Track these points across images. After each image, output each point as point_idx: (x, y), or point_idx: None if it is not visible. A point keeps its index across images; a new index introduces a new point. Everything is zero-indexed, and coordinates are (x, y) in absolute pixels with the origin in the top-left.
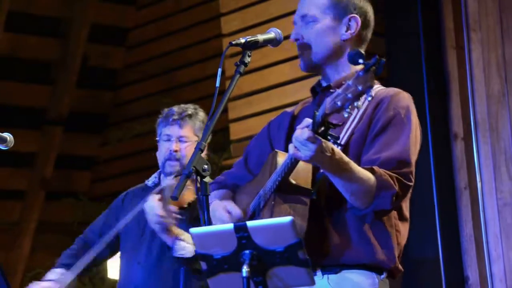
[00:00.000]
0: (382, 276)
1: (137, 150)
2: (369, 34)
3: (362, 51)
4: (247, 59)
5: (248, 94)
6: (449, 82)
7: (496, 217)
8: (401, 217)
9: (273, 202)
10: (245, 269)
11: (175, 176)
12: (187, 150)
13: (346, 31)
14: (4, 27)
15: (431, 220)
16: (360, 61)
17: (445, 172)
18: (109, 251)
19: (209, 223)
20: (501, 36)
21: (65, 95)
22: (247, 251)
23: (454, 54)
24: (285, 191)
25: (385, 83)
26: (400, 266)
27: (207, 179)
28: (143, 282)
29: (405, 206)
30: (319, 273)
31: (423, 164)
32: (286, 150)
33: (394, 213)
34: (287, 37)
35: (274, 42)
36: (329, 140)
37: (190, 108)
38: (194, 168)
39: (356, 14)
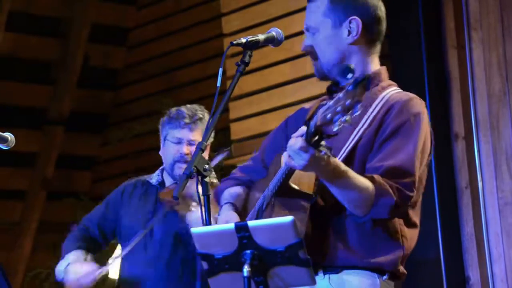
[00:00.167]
0: (384, 277)
1: (138, 150)
2: (381, 27)
3: (377, 47)
4: (248, 59)
5: (248, 94)
6: (450, 81)
7: (497, 216)
8: (408, 223)
9: (273, 205)
10: (246, 269)
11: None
12: None
13: (348, 35)
14: (5, 27)
15: (432, 219)
16: (349, 76)
17: (446, 172)
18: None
19: (210, 222)
20: (502, 35)
21: (65, 95)
22: (248, 251)
23: (455, 53)
24: (286, 194)
25: None
26: (402, 269)
27: (214, 179)
28: (154, 284)
29: (414, 212)
30: (320, 273)
31: None
32: None
33: (399, 219)
34: (288, 37)
35: (275, 42)
36: (320, 152)
37: (198, 110)
38: (195, 168)
39: (356, 15)
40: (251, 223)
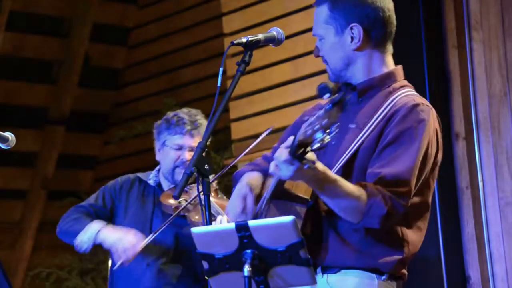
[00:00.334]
0: (383, 278)
1: (139, 149)
2: (387, 28)
3: (386, 47)
4: (249, 59)
5: (249, 94)
6: (450, 82)
7: (497, 216)
8: (411, 226)
9: (268, 208)
10: (246, 269)
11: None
12: None
13: (352, 41)
14: (6, 27)
15: (432, 219)
16: (326, 96)
17: (446, 172)
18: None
19: (210, 222)
20: (502, 36)
21: (67, 95)
22: (248, 251)
23: (455, 53)
24: (282, 197)
25: None
26: (403, 271)
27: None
28: (153, 284)
29: (418, 216)
30: (319, 272)
31: None
32: None
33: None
34: (288, 37)
35: (276, 41)
36: (304, 165)
37: (197, 116)
38: (195, 168)
39: (356, 21)
40: (252, 222)
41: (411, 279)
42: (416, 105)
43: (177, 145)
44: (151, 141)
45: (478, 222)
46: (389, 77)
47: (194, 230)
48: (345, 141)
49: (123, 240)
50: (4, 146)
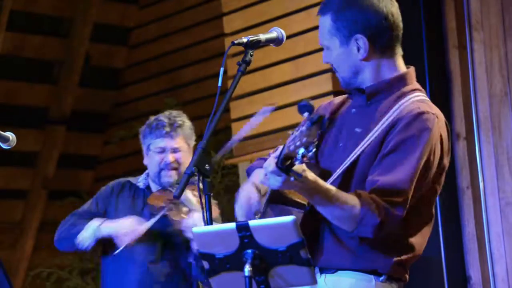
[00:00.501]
0: (381, 279)
1: (139, 149)
2: (393, 32)
3: (394, 49)
4: (250, 59)
5: (250, 94)
6: (451, 82)
7: (498, 216)
8: (414, 230)
9: (265, 212)
10: (247, 268)
11: (172, 185)
12: (182, 158)
13: (358, 51)
14: (7, 27)
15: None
16: (305, 114)
17: (447, 172)
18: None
19: (211, 222)
20: (503, 36)
21: (67, 95)
22: (249, 250)
23: (456, 53)
24: (279, 202)
25: None
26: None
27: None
28: (143, 284)
29: (422, 220)
30: (317, 272)
31: None
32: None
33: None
34: (289, 37)
35: (276, 41)
36: (290, 177)
37: (177, 117)
38: (196, 168)
39: (360, 32)
40: (252, 222)
41: (412, 279)
42: (421, 113)
43: (159, 148)
44: None
45: (478, 222)
46: (398, 81)
47: (195, 230)
48: (349, 145)
49: (124, 225)
50: (4, 146)
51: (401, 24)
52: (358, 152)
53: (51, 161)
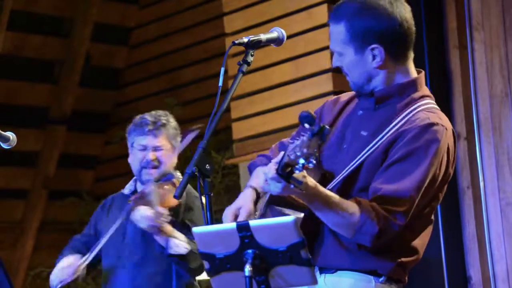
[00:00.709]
0: (381, 280)
1: None
2: (408, 38)
3: (407, 55)
4: (250, 59)
5: (250, 94)
6: (452, 82)
7: (498, 216)
8: (415, 233)
9: (264, 213)
10: (247, 268)
11: (156, 181)
12: (164, 157)
13: (373, 60)
14: (7, 26)
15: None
16: (306, 125)
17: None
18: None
19: (212, 222)
20: (504, 36)
21: (68, 94)
22: (249, 250)
23: (457, 53)
24: (279, 203)
25: None
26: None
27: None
28: (129, 284)
29: (423, 224)
30: (317, 271)
31: None
32: None
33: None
34: (290, 37)
35: (277, 41)
36: (290, 185)
37: (162, 116)
38: (196, 168)
39: (376, 41)
40: (253, 222)
41: (412, 280)
42: (431, 124)
43: (141, 145)
44: None
45: (479, 222)
46: (409, 87)
47: (195, 230)
48: (354, 149)
49: (64, 264)
50: (5, 146)
51: (414, 28)
52: (363, 158)
53: (52, 161)
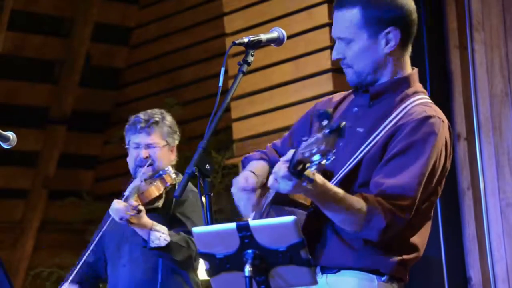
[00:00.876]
0: (383, 279)
1: None
2: (414, 29)
3: (409, 48)
4: (250, 59)
5: (251, 94)
6: (452, 82)
7: (499, 217)
8: (415, 230)
9: (268, 212)
10: (247, 269)
11: (145, 180)
12: (157, 155)
13: (386, 45)
14: (8, 26)
15: (433, 220)
16: (324, 122)
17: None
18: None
19: (212, 222)
20: (504, 36)
21: (68, 94)
22: (249, 251)
23: (457, 54)
24: (283, 203)
25: None
26: (402, 272)
27: (173, 175)
28: (131, 283)
29: (422, 220)
30: (318, 271)
31: None
32: None
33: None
34: (290, 37)
35: (277, 41)
36: (303, 182)
37: (156, 114)
38: (197, 168)
39: (393, 25)
40: (253, 222)
41: (412, 280)
42: (428, 117)
43: (135, 143)
44: None
45: (479, 223)
46: (403, 82)
47: (195, 229)
48: (351, 145)
49: None
50: (5, 146)
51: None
52: (362, 154)
53: (52, 160)
